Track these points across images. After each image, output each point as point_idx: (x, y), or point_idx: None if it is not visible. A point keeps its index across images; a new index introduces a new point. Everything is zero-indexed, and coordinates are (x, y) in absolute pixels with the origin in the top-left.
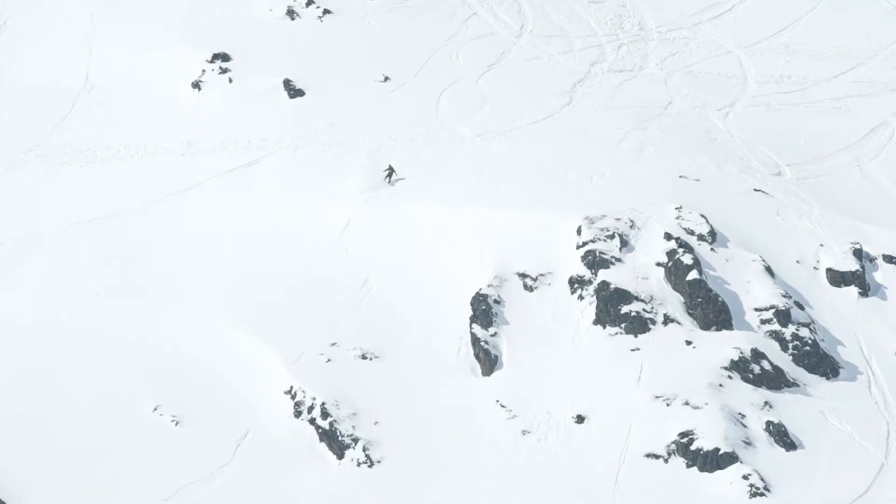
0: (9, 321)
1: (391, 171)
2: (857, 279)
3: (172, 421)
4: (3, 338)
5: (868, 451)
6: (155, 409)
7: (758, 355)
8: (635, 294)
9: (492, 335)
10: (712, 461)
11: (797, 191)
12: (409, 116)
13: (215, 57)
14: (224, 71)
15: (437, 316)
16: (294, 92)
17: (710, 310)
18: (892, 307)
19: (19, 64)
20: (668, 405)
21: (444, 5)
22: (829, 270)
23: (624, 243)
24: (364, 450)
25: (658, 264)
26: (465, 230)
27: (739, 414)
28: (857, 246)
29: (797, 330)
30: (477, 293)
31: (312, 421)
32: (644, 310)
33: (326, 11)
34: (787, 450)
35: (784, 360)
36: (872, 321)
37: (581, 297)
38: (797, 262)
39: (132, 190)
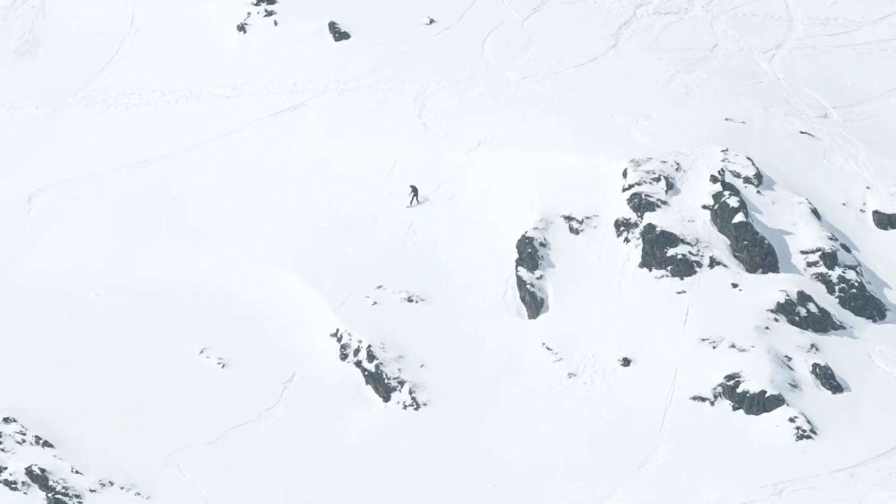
0: (54, 264)
1: (415, 192)
2: None
3: (219, 363)
4: (49, 281)
5: None
6: (201, 352)
7: (804, 298)
8: (681, 237)
9: (538, 278)
10: (759, 404)
11: (844, 133)
12: (454, 59)
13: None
14: (269, 14)
15: (483, 259)
16: (339, 35)
17: (757, 252)
18: None
19: (65, 8)
20: (714, 348)
21: None
22: (875, 213)
23: (670, 186)
24: (410, 392)
25: (704, 207)
26: (510, 173)
27: (786, 356)
28: None
29: (843, 272)
30: (523, 236)
31: (359, 364)
32: (690, 252)
33: None
34: (834, 392)
35: (830, 303)
36: None
37: (627, 240)
38: (843, 204)
39: (178, 133)
